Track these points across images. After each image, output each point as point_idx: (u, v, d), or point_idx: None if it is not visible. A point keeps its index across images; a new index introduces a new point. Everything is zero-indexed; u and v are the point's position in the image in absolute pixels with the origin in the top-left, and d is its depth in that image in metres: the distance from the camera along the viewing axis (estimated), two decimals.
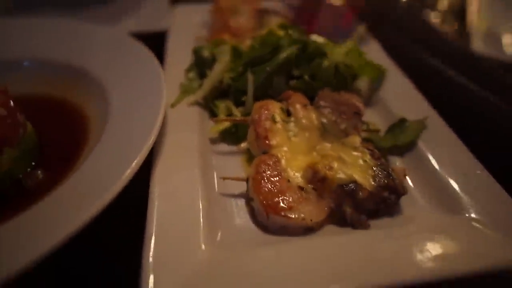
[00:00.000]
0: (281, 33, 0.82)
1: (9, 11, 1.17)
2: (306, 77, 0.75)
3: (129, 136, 0.62)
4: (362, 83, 0.82)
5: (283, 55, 0.73)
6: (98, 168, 0.57)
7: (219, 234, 0.54)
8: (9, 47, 0.89)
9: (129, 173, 0.52)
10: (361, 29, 1.02)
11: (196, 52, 0.85)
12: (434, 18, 1.18)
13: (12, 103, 0.66)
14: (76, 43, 0.90)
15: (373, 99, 0.82)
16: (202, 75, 0.82)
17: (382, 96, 0.81)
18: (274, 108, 0.69)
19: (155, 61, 0.80)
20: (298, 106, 0.69)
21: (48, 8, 1.19)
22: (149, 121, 0.64)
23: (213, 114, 0.77)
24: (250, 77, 0.73)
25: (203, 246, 0.49)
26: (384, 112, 0.79)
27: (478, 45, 1.05)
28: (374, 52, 0.94)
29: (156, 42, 0.92)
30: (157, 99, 0.69)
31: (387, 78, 0.84)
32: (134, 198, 0.55)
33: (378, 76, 0.83)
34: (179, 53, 0.91)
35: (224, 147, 0.72)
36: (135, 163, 0.54)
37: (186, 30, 1.03)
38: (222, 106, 0.76)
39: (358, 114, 0.70)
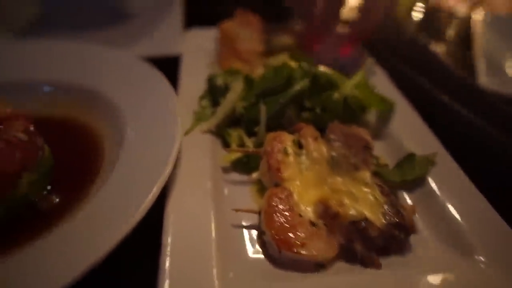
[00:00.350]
0: (293, 64, 0.84)
1: (23, 33, 1.19)
2: (317, 109, 0.77)
3: (145, 166, 0.63)
4: (371, 116, 0.84)
5: (296, 87, 0.76)
6: (114, 197, 0.58)
7: (232, 269, 0.54)
8: (23, 69, 0.90)
9: (145, 205, 0.54)
10: (369, 61, 1.04)
11: (210, 81, 0.87)
12: (440, 49, 1.21)
13: (32, 127, 0.67)
14: (91, 66, 0.92)
15: (382, 132, 0.84)
16: (215, 103, 0.84)
17: (391, 130, 0.83)
18: (286, 140, 0.70)
19: (170, 88, 0.82)
20: (309, 139, 0.71)
21: (61, 30, 1.21)
22: (165, 150, 0.65)
23: (225, 142, 0.79)
24: (262, 108, 0.75)
25: (216, 283, 0.50)
26: (392, 146, 0.80)
27: (482, 78, 1.08)
28: (383, 85, 0.96)
29: (168, 66, 0.94)
30: (172, 127, 0.71)
31: (395, 111, 0.86)
32: (147, 225, 0.56)
33: (387, 109, 0.85)
34: (192, 79, 0.93)
35: (235, 176, 0.74)
36: (152, 195, 0.55)
37: (199, 55, 1.06)
38: (234, 135, 0.77)
39: (368, 148, 0.72)
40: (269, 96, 0.77)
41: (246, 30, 1.13)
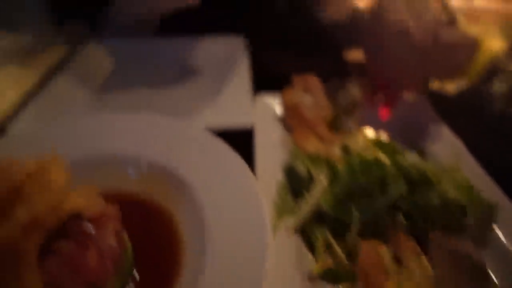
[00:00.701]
0: (383, 157, 0.78)
1: (86, 104, 1.12)
2: (415, 215, 0.70)
3: (236, 274, 0.59)
4: (472, 222, 0.75)
5: (394, 193, 0.69)
6: None
7: None
8: (91, 144, 0.86)
9: None
10: (455, 142, 0.96)
11: (290, 169, 0.83)
12: None
13: (120, 226, 0.66)
14: (162, 141, 0.87)
15: (482, 241, 0.74)
16: (295, 193, 0.80)
17: (495, 239, 0.74)
18: (384, 254, 0.64)
19: (248, 171, 0.78)
20: (410, 255, 0.64)
21: (122, 96, 1.14)
22: (256, 255, 0.60)
23: (308, 241, 0.74)
24: (355, 214, 0.69)
25: None
26: (497, 259, 0.71)
27: None
28: (471, 173, 0.85)
29: (235, 138, 0.87)
30: (260, 225, 0.66)
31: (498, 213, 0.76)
32: None
33: (489, 213, 0.76)
34: (267, 160, 0.89)
35: (322, 285, 0.68)
36: None
37: (271, 129, 1.03)
38: (320, 237, 0.72)
39: (478, 268, 0.64)
40: (360, 196, 0.72)
41: (308, 95, 1.09)
